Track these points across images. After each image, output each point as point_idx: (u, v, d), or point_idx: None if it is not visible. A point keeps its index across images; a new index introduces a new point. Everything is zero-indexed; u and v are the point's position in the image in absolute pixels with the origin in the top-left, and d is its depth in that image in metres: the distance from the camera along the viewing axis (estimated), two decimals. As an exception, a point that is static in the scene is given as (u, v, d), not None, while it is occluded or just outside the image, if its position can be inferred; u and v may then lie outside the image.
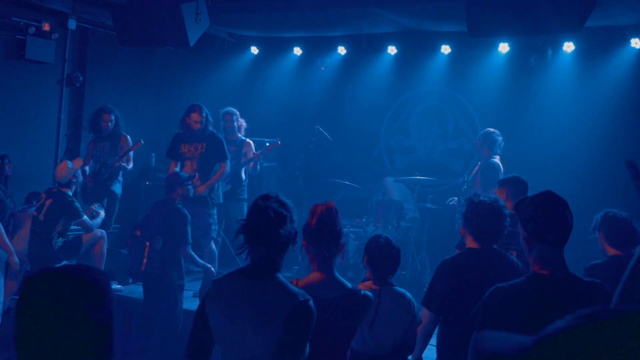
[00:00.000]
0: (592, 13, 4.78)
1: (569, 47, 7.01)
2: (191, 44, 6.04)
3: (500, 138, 6.31)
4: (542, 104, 7.28)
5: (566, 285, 2.22)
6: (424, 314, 3.18)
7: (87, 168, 6.51)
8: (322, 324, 2.25)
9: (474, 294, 2.55)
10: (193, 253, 5.07)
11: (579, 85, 7.08)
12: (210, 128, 6.22)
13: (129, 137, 6.75)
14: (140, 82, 8.26)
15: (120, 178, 6.76)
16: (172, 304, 4.96)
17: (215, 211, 6.25)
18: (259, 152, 6.72)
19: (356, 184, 7.37)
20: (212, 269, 5.34)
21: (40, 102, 7.29)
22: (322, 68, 8.78)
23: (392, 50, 7.99)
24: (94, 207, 5.93)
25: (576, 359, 0.74)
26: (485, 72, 7.58)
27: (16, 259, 5.10)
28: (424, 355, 3.28)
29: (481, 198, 3.13)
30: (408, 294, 3.26)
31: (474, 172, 6.53)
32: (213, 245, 6.18)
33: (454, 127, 8.19)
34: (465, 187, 5.95)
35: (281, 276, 2.22)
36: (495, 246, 3.13)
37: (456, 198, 6.53)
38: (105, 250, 5.88)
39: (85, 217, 5.62)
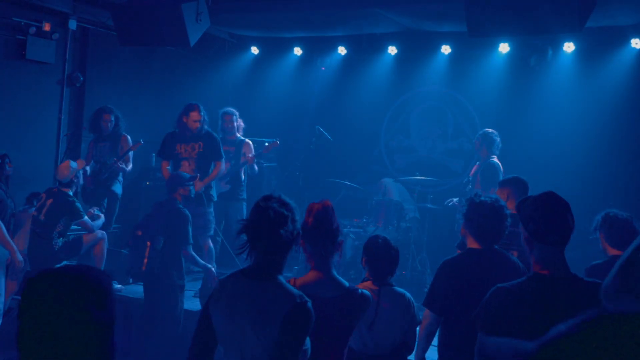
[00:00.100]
0: (592, 13, 4.78)
1: (569, 47, 7.02)
2: (191, 44, 6.04)
3: (498, 138, 6.34)
4: (542, 104, 7.29)
5: (567, 286, 2.22)
6: (426, 314, 3.18)
7: (87, 168, 6.51)
8: (320, 323, 2.25)
9: (475, 294, 2.55)
10: (194, 253, 5.08)
11: (579, 86, 7.09)
12: (206, 127, 6.23)
13: (129, 137, 6.75)
14: (140, 82, 8.26)
15: (120, 178, 6.76)
16: (172, 304, 4.96)
17: (212, 209, 6.27)
18: (251, 155, 6.72)
19: (356, 184, 7.38)
20: (213, 269, 5.35)
21: (41, 102, 7.29)
22: (323, 68, 8.79)
23: (392, 50, 7.99)
24: (92, 211, 5.93)
25: None
26: (486, 72, 7.58)
27: (19, 257, 5.10)
28: (426, 355, 3.28)
29: (482, 198, 3.14)
30: (407, 294, 3.26)
31: (472, 172, 6.54)
32: (211, 243, 6.22)
33: (454, 127, 8.19)
34: (470, 186, 5.96)
35: (282, 277, 2.22)
36: (496, 246, 3.13)
37: (455, 199, 6.56)
38: (105, 251, 5.88)
39: (86, 217, 5.63)
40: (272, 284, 2.19)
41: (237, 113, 6.94)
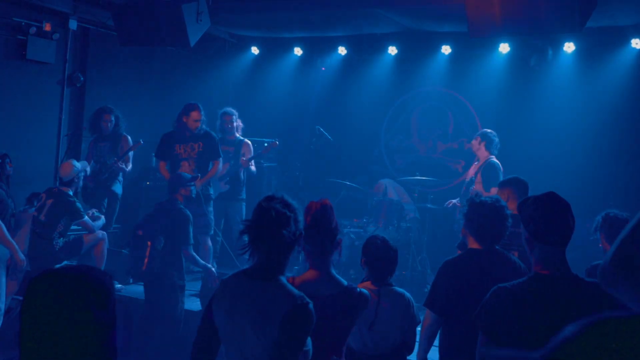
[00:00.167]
0: (592, 13, 4.78)
1: (569, 47, 7.02)
2: (192, 45, 6.04)
3: (496, 138, 6.36)
4: (542, 105, 7.29)
5: (568, 286, 2.23)
6: (427, 315, 3.18)
7: (88, 168, 6.51)
8: (318, 321, 2.26)
9: (476, 295, 2.55)
10: (194, 254, 5.09)
11: (579, 86, 7.09)
12: (205, 127, 6.25)
13: (129, 137, 6.75)
14: (140, 82, 8.26)
15: (120, 178, 6.76)
16: (172, 304, 4.96)
17: (211, 208, 6.29)
18: (245, 159, 6.73)
19: (357, 184, 7.38)
20: (213, 269, 5.36)
21: (41, 102, 7.29)
22: (323, 68, 8.79)
23: (392, 50, 7.99)
24: (91, 213, 5.94)
25: None
26: (486, 72, 7.58)
27: (21, 256, 5.10)
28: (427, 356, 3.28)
29: (483, 198, 3.14)
30: (407, 294, 3.26)
31: (472, 172, 6.54)
32: (210, 242, 6.24)
33: (455, 127, 8.19)
34: (473, 187, 5.95)
35: (283, 278, 2.22)
36: (497, 247, 3.13)
37: (454, 200, 6.57)
38: (105, 251, 5.88)
39: (86, 217, 5.63)
40: (274, 284, 2.19)
41: (236, 113, 6.95)
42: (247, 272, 2.26)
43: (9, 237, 5.06)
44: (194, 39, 6.00)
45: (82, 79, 7.59)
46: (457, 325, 3.03)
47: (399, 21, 6.89)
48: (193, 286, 6.00)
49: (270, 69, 8.83)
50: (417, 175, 7.10)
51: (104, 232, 5.93)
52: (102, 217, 6.06)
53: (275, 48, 8.66)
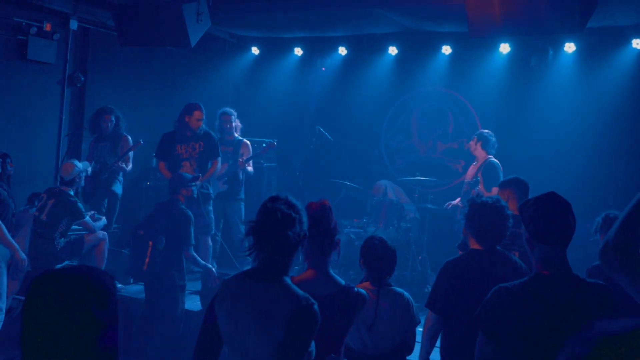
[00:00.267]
0: (593, 13, 4.78)
1: (570, 47, 7.01)
2: (192, 45, 6.04)
3: (493, 138, 6.39)
4: (543, 105, 7.29)
5: (568, 286, 2.23)
6: (429, 316, 3.18)
7: (89, 169, 6.52)
8: None
9: (477, 295, 2.55)
10: (195, 254, 5.09)
11: (580, 86, 7.09)
12: (205, 127, 6.28)
13: (129, 137, 6.75)
14: (141, 82, 8.26)
15: (120, 178, 6.77)
16: (173, 304, 4.97)
17: (211, 207, 6.31)
18: (243, 159, 6.74)
19: (357, 185, 7.38)
20: (213, 269, 5.37)
21: (42, 102, 7.29)
22: (323, 68, 8.79)
23: (392, 50, 7.99)
24: (91, 214, 5.94)
25: None
26: (486, 72, 7.58)
27: (22, 255, 5.09)
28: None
29: (483, 199, 3.15)
30: (406, 294, 3.26)
31: (472, 173, 6.55)
32: (210, 241, 6.27)
33: (455, 127, 8.19)
34: (479, 187, 5.94)
35: (288, 279, 2.21)
36: (498, 247, 3.13)
37: (454, 201, 6.58)
38: (106, 252, 5.88)
39: (87, 217, 5.63)
40: (278, 285, 2.18)
41: (235, 113, 6.96)
42: (250, 273, 2.25)
43: (10, 238, 5.06)
44: (194, 39, 6.01)
45: (82, 79, 7.59)
46: (458, 325, 3.03)
47: (399, 21, 6.89)
48: (193, 286, 6.00)
49: (271, 69, 8.83)
50: (417, 176, 7.10)
51: (105, 233, 5.93)
52: (103, 218, 6.07)
53: (275, 48, 8.66)
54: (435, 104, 8.35)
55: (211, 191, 6.43)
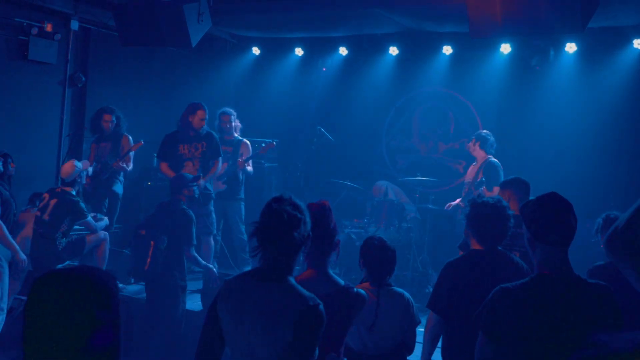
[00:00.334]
0: (594, 14, 4.77)
1: (571, 47, 7.01)
2: (193, 45, 6.05)
3: (491, 138, 6.40)
4: (544, 105, 7.28)
5: (570, 287, 2.23)
6: (430, 316, 3.18)
7: (90, 169, 6.53)
8: None
9: (478, 296, 2.55)
10: (196, 254, 5.09)
11: (581, 86, 7.08)
12: (207, 127, 6.29)
13: (130, 137, 6.76)
14: (142, 82, 8.27)
15: (121, 178, 6.77)
16: (174, 305, 4.97)
17: (212, 207, 6.32)
18: (243, 159, 6.74)
19: (358, 185, 7.38)
20: (214, 269, 5.37)
21: (43, 102, 7.30)
22: (324, 69, 8.79)
23: (393, 50, 7.99)
24: (93, 215, 5.95)
25: None
26: (487, 72, 7.58)
27: (22, 256, 5.10)
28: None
29: (485, 199, 3.15)
30: (406, 294, 3.26)
31: (472, 174, 6.55)
32: (212, 241, 6.27)
33: (456, 127, 8.19)
34: (483, 187, 5.93)
35: (292, 279, 2.21)
36: (499, 247, 3.13)
37: (454, 202, 6.58)
38: (107, 252, 5.89)
39: (89, 217, 5.63)
40: (283, 286, 2.18)
41: (235, 113, 6.97)
42: (254, 274, 2.24)
43: (10, 239, 5.06)
44: (195, 39, 6.01)
45: (83, 79, 7.60)
46: (460, 326, 3.03)
47: (400, 21, 6.89)
48: (192, 286, 6.00)
49: (271, 70, 8.83)
50: (418, 176, 7.10)
51: (106, 233, 5.94)
52: (105, 218, 6.08)
53: (276, 48, 8.66)
54: (436, 104, 8.35)
55: (211, 189, 6.45)
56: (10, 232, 5.19)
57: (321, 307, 2.13)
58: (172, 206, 5.03)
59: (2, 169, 5.17)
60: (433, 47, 7.76)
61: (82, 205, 5.57)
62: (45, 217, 5.40)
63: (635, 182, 6.69)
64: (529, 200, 2.37)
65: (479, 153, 6.46)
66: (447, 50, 7.67)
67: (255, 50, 8.76)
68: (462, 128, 8.09)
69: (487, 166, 6.33)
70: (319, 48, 8.48)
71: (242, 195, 6.95)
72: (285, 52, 8.66)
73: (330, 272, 2.60)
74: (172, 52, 8.33)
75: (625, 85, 6.80)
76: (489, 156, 6.41)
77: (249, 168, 6.91)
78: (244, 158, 6.80)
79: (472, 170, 6.61)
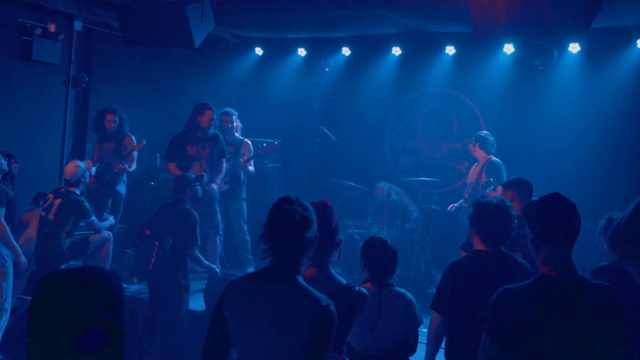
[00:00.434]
0: (598, 14, 4.77)
1: (574, 48, 6.99)
2: (196, 45, 6.06)
3: (491, 137, 6.41)
4: (547, 105, 7.27)
5: (574, 288, 2.22)
6: (434, 317, 3.18)
7: (93, 169, 6.54)
8: None
9: (481, 296, 2.55)
10: (199, 255, 5.09)
11: (584, 87, 7.07)
12: (213, 127, 6.32)
13: (133, 137, 6.77)
14: (145, 82, 8.28)
15: (124, 178, 6.79)
16: (177, 305, 4.97)
17: (218, 208, 6.34)
18: (244, 159, 6.75)
19: (360, 185, 7.38)
20: (217, 269, 5.37)
21: (46, 102, 7.32)
22: (327, 69, 8.79)
23: (396, 51, 7.98)
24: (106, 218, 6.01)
25: None
26: (490, 73, 7.57)
27: (23, 259, 5.11)
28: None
29: (488, 199, 3.14)
30: (408, 294, 3.26)
31: (474, 174, 6.55)
32: (218, 241, 6.28)
33: (459, 127, 8.18)
34: (493, 187, 5.92)
35: (301, 279, 2.21)
36: (502, 247, 3.13)
37: (456, 204, 6.58)
38: (111, 252, 5.90)
39: (93, 217, 5.65)
40: (294, 286, 2.17)
41: (236, 113, 6.98)
42: (261, 275, 2.23)
43: (13, 241, 5.07)
44: (198, 39, 6.02)
45: (86, 79, 7.61)
46: (463, 326, 3.02)
47: (403, 22, 6.88)
48: (196, 286, 6.01)
49: (274, 70, 8.84)
50: (421, 176, 7.10)
51: (110, 233, 5.95)
52: (111, 217, 6.10)
53: (279, 49, 8.66)
54: (439, 105, 8.35)
55: (216, 191, 6.46)
56: (14, 232, 5.21)
57: (332, 306, 2.13)
58: (176, 206, 5.04)
59: (6, 169, 5.19)
60: (436, 48, 7.75)
61: (87, 204, 5.58)
62: (50, 216, 5.41)
63: (638, 183, 6.67)
64: (532, 201, 2.37)
65: (479, 154, 6.46)
66: (450, 50, 7.66)
67: (258, 51, 8.76)
68: (465, 128, 8.08)
69: (490, 166, 6.34)
70: (321, 48, 8.47)
71: (244, 195, 6.96)
72: (288, 53, 8.66)
73: (332, 271, 2.60)
74: (175, 53, 8.34)
75: (628, 86, 6.78)
76: (490, 156, 6.42)
77: (251, 168, 6.92)
78: (245, 158, 6.81)
79: (474, 171, 6.61)
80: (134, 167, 6.71)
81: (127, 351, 1.43)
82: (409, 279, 6.43)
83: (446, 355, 3.20)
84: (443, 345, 3.24)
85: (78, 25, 7.35)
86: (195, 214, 5.01)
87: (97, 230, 5.72)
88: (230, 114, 6.90)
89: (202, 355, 2.25)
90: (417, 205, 7.20)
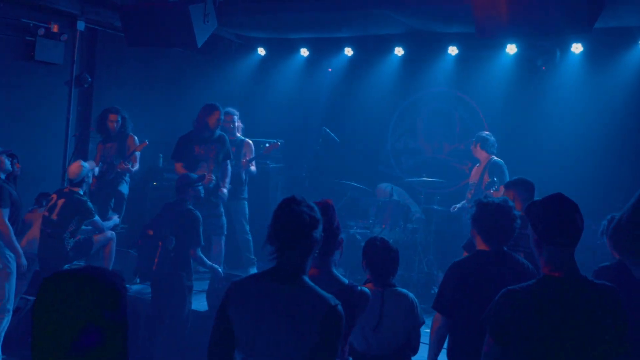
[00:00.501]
0: (600, 14, 4.76)
1: (577, 48, 6.98)
2: (199, 46, 6.07)
3: (491, 137, 6.41)
4: (549, 106, 7.26)
5: (577, 288, 2.22)
6: (436, 317, 3.18)
7: (96, 169, 6.55)
8: None
9: (484, 296, 2.55)
10: (202, 255, 5.10)
11: (587, 87, 7.05)
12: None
13: (135, 137, 6.78)
14: (148, 83, 8.29)
15: (127, 178, 6.80)
16: (180, 305, 4.98)
17: (223, 209, 6.36)
18: (245, 160, 6.76)
19: (363, 185, 7.38)
20: (220, 269, 5.38)
21: (49, 102, 7.33)
22: (329, 69, 8.79)
23: (399, 51, 7.98)
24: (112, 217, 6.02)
25: None
26: (493, 73, 7.56)
27: (24, 261, 5.12)
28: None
29: (490, 199, 3.14)
30: (410, 295, 3.26)
31: (476, 175, 6.54)
32: (223, 242, 6.29)
33: (461, 128, 8.17)
34: (496, 187, 5.92)
35: (308, 279, 2.20)
36: (505, 248, 3.13)
37: (459, 205, 6.58)
38: (114, 252, 5.91)
39: (97, 217, 5.66)
40: (301, 287, 2.16)
41: (237, 113, 6.98)
42: (267, 275, 2.22)
43: (16, 243, 5.08)
44: (201, 40, 6.02)
45: (89, 79, 7.63)
46: (465, 327, 3.02)
47: (406, 22, 6.88)
48: (198, 286, 6.01)
49: (277, 70, 8.84)
50: (423, 177, 7.10)
51: (113, 233, 5.95)
52: (115, 217, 6.11)
53: (281, 49, 8.67)
54: (441, 105, 8.34)
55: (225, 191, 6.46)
56: (17, 233, 5.22)
57: (339, 306, 2.13)
58: (178, 206, 5.04)
59: (9, 169, 5.20)
60: (438, 48, 7.74)
61: (90, 204, 5.59)
62: (54, 217, 5.42)
63: (641, 183, 6.66)
64: (535, 201, 2.36)
65: (481, 154, 6.47)
66: (453, 50, 7.65)
67: (261, 51, 8.77)
68: (467, 129, 8.07)
69: (492, 166, 6.34)
70: (324, 49, 8.47)
71: (246, 195, 6.97)
72: (291, 53, 8.66)
73: (334, 270, 2.60)
74: (178, 53, 8.35)
75: (631, 86, 6.77)
76: (492, 156, 6.42)
77: (252, 168, 6.93)
78: (247, 158, 6.81)
79: (476, 171, 6.61)
80: (136, 167, 6.72)
81: (130, 351, 1.43)
82: (411, 279, 6.43)
83: (448, 355, 3.20)
84: (445, 345, 3.24)
85: (81, 26, 7.36)
86: (198, 213, 5.01)
87: (101, 230, 5.73)
88: (232, 114, 6.91)
89: (207, 357, 2.24)
90: (419, 205, 7.20)
